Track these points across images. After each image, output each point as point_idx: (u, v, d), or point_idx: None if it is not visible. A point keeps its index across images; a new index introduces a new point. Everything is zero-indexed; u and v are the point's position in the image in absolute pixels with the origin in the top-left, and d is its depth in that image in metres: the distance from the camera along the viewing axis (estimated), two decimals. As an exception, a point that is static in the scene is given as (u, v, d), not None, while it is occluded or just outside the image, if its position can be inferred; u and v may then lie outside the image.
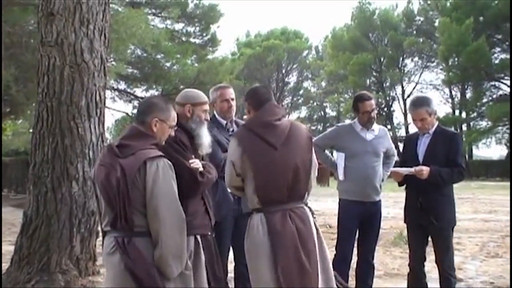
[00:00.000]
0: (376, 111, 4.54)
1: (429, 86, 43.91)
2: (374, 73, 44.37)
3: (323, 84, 50.81)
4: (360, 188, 4.38)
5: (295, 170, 3.03)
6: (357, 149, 4.42)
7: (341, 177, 4.46)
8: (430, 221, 4.07)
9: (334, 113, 51.70)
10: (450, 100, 42.44)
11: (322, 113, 52.97)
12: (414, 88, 44.51)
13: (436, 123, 4.24)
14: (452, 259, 4.19)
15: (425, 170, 4.01)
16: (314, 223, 3.13)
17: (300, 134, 3.14)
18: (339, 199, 4.55)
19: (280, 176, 3.01)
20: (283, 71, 50.88)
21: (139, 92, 23.94)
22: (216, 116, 4.24)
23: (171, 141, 3.09)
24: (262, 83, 51.00)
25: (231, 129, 4.24)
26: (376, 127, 4.57)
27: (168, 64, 23.29)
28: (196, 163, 3.17)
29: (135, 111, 21.39)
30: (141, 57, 22.45)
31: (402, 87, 44.72)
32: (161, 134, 2.94)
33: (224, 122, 4.25)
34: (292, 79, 52.49)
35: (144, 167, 2.69)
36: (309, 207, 3.16)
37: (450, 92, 42.08)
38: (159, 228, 2.67)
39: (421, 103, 4.19)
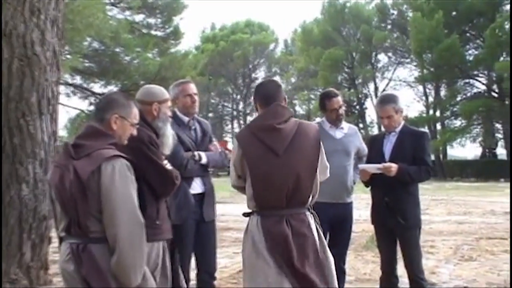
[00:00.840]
0: (344, 108, 4.62)
1: (403, 83, 44.66)
2: (346, 69, 44.86)
3: (293, 80, 51.07)
4: (331, 188, 4.38)
5: (297, 178, 3.02)
6: (326, 148, 4.43)
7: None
8: (397, 221, 4.14)
9: (304, 111, 51.98)
10: (424, 98, 43.22)
11: (292, 110, 53.04)
12: (387, 85, 45.21)
13: (402, 122, 4.35)
14: (420, 262, 4.26)
15: (394, 167, 4.09)
16: (317, 228, 3.14)
17: (306, 137, 3.12)
18: (309, 201, 4.57)
19: (279, 184, 3.01)
20: (250, 66, 50.94)
21: (97, 87, 23.52)
22: (177, 113, 4.20)
23: (147, 141, 3.08)
24: (228, 79, 51.06)
25: (193, 127, 4.23)
26: (345, 125, 4.65)
27: (127, 58, 22.99)
28: (168, 165, 3.17)
29: (91, 108, 21.10)
30: (98, 50, 22.06)
31: (375, 84, 45.36)
32: (122, 133, 2.86)
33: (186, 119, 4.21)
34: (260, 74, 52.70)
35: (99, 169, 2.62)
36: (312, 212, 3.16)
37: (424, 89, 42.83)
38: (116, 234, 2.60)
39: (388, 100, 4.33)
